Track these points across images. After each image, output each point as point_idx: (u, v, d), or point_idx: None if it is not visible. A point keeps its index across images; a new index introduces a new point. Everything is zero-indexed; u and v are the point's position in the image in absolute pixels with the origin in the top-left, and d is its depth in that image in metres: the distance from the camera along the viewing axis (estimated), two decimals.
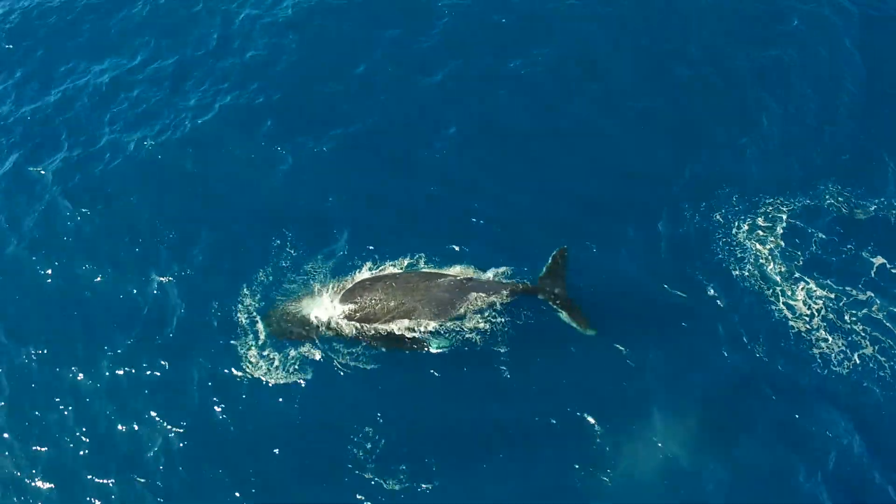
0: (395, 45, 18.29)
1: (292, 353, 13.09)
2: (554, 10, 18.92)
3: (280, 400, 12.66)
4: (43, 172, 16.34)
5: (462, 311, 13.34)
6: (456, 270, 13.82)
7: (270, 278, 14.03)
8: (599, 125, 16.71)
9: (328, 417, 12.52)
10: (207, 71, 18.12)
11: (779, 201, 15.19)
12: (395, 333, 13.14)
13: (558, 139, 16.48)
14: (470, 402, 12.74)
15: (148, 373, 13.16)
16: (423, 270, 13.90)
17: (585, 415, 12.48)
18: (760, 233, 14.69)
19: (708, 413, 12.50)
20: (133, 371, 13.20)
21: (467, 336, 13.18)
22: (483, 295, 13.43)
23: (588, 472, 11.90)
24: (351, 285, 13.54)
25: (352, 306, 13.23)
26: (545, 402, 12.66)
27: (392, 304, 13.22)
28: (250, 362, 13.03)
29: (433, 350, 13.03)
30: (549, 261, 13.90)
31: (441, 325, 13.24)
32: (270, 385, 12.80)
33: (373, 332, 13.13)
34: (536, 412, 12.55)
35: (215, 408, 12.68)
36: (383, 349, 13.06)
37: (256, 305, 13.68)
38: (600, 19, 18.73)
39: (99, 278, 14.47)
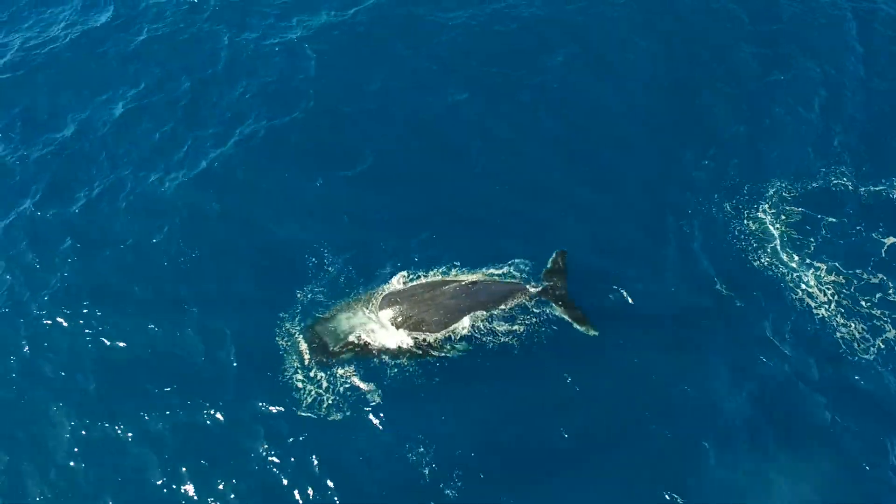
0: (407, 62, 18.44)
1: (339, 372, 13.07)
2: (554, 18, 19.22)
3: (334, 427, 12.52)
4: (56, 217, 15.76)
5: (476, 313, 13.66)
6: (468, 276, 14.13)
7: (309, 296, 14.05)
8: (610, 127, 17.14)
9: (386, 440, 12.48)
10: (220, 96, 17.92)
11: (787, 187, 15.74)
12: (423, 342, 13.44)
13: (573, 141, 16.89)
14: (526, 414, 12.87)
15: (195, 416, 12.79)
16: (429, 280, 14.18)
17: (645, 423, 12.65)
18: (772, 220, 15.19)
19: (761, 418, 12.74)
20: (180, 417, 12.80)
21: (503, 340, 13.44)
22: (490, 297, 13.78)
23: (659, 482, 12.10)
24: (381, 298, 13.84)
25: (389, 316, 13.57)
26: (600, 410, 12.86)
27: (400, 318, 13.54)
28: (297, 387, 12.96)
29: (458, 351, 13.32)
30: (550, 263, 14.33)
31: (475, 329, 13.51)
32: (322, 410, 12.71)
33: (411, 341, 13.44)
34: (595, 421, 12.72)
35: (267, 443, 12.46)
36: (409, 357, 13.25)
37: (297, 328, 13.64)
38: (603, 24, 19.12)
39: (130, 324, 13.95)
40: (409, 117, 17.38)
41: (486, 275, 14.30)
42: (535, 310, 13.85)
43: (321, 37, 18.98)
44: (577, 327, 13.61)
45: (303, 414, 12.65)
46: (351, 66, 18.48)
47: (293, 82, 18.13)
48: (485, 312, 13.74)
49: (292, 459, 12.28)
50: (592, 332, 13.52)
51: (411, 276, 14.30)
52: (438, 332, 13.49)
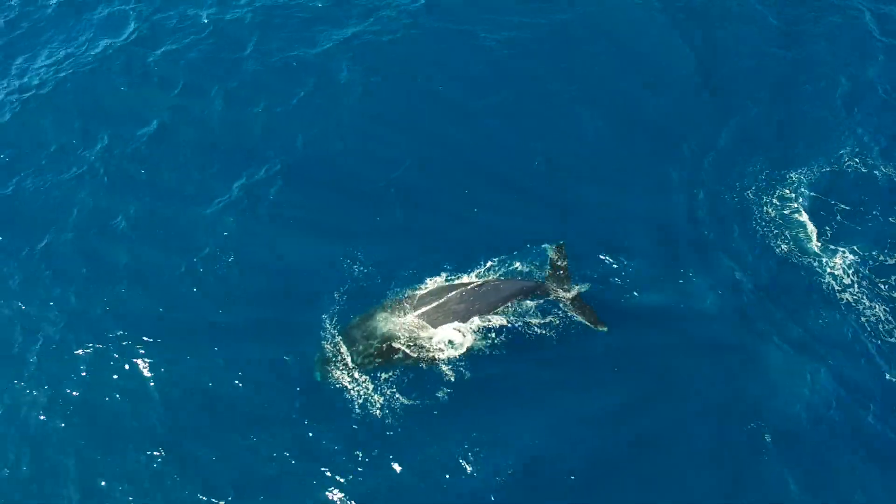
0: (434, 70, 18.66)
1: (383, 376, 13.23)
2: (577, 21, 19.59)
3: (389, 434, 12.60)
4: (95, 245, 15.41)
5: (486, 315, 13.82)
6: (474, 278, 14.32)
7: (345, 298, 14.23)
8: (638, 123, 17.54)
9: (437, 447, 12.54)
10: (247, 113, 17.76)
11: (807, 173, 16.16)
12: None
13: (599, 140, 17.27)
14: (575, 419, 12.94)
15: (249, 438, 12.78)
16: (437, 286, 14.30)
17: (700, 425, 12.84)
18: (792, 206, 15.62)
19: (812, 414, 12.96)
20: (234, 441, 12.77)
21: (540, 332, 13.68)
22: (500, 297, 13.90)
23: (722, 486, 12.30)
24: (407, 302, 14.05)
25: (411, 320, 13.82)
26: (650, 409, 13.06)
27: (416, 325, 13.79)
28: (346, 387, 13.09)
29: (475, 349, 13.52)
30: (550, 260, 14.52)
31: (508, 321, 13.77)
32: (373, 412, 12.84)
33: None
34: (650, 422, 12.91)
35: (322, 458, 12.40)
36: (440, 358, 13.43)
37: (336, 329, 13.79)
38: (626, 24, 19.59)
39: (176, 352, 13.77)
40: (440, 124, 17.57)
41: (509, 271, 14.56)
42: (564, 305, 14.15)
43: (346, 49, 19.00)
44: (587, 324, 13.79)
45: (355, 425, 12.74)
46: (378, 77, 18.55)
47: (321, 97, 18.13)
48: (508, 306, 13.93)
49: (350, 475, 12.30)
50: (602, 328, 13.72)
51: (449, 278, 14.53)
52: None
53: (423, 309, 13.85)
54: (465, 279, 14.44)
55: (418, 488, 12.21)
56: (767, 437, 12.71)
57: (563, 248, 14.52)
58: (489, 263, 14.71)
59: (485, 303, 13.82)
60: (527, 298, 14.09)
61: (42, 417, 13.10)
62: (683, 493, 12.29)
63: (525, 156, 16.91)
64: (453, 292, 13.84)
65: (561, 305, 14.08)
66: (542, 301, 14.10)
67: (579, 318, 13.87)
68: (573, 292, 14.15)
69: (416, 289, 14.35)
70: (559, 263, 14.41)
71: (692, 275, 14.80)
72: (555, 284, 14.23)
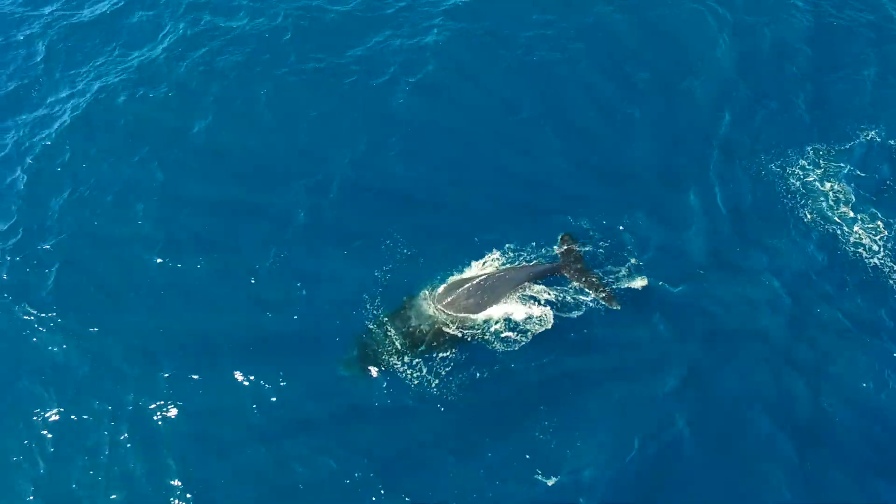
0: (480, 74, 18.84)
1: (438, 368, 13.31)
2: (608, 17, 19.84)
3: (460, 440, 12.74)
4: (168, 272, 15.31)
5: (499, 302, 14.02)
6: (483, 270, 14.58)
7: (388, 277, 14.44)
8: (653, 95, 17.98)
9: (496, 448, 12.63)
10: (290, 124, 17.72)
11: (827, 149, 16.59)
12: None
13: (613, 112, 17.68)
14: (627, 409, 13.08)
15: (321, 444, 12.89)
16: (448, 283, 14.46)
17: (752, 419, 12.94)
18: (815, 177, 16.04)
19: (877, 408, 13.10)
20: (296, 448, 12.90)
21: (578, 313, 13.95)
22: (509, 286, 14.10)
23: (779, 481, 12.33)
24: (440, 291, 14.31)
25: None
26: (703, 400, 13.13)
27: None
28: (395, 367, 13.24)
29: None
30: (559, 244, 14.85)
31: (558, 297, 14.06)
32: (431, 390, 13.02)
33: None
34: (707, 412, 13.03)
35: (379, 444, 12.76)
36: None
37: (381, 308, 14.06)
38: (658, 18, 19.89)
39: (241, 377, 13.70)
40: (471, 125, 17.69)
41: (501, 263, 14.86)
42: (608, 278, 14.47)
43: (379, 54, 19.03)
44: (602, 301, 14.05)
45: (421, 426, 12.84)
46: (419, 76, 18.58)
47: (356, 101, 18.14)
48: (517, 294, 14.18)
49: (422, 476, 12.40)
50: (615, 306, 13.98)
51: (485, 262, 14.83)
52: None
53: (442, 303, 14.06)
54: (478, 269, 14.76)
55: (497, 492, 12.26)
56: (831, 423, 12.88)
57: (570, 235, 14.95)
58: (522, 252, 15.04)
59: (494, 294, 14.02)
60: (542, 279, 14.39)
61: (132, 431, 13.28)
62: (747, 484, 12.36)
63: (560, 153, 17.07)
64: (461, 289, 13.98)
65: (576, 284, 14.33)
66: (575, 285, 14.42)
67: (594, 296, 14.14)
68: (585, 270, 14.49)
69: (462, 271, 14.63)
70: (570, 246, 14.77)
71: (728, 261, 15.06)
72: (568, 263, 14.57)
